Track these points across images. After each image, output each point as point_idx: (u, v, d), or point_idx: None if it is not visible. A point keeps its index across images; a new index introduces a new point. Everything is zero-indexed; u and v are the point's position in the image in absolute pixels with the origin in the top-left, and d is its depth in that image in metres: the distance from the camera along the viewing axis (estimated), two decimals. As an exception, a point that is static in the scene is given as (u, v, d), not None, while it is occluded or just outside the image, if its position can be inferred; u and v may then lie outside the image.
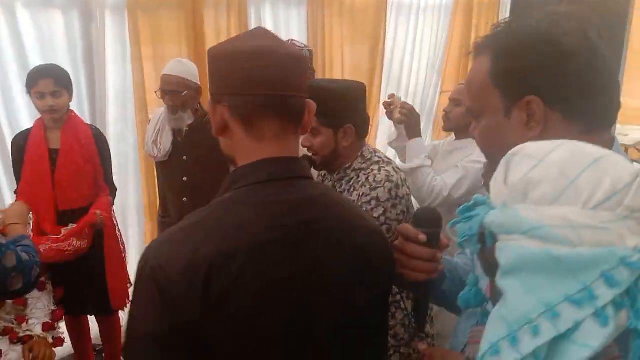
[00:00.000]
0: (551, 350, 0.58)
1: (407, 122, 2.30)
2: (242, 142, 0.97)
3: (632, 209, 0.59)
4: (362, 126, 1.83)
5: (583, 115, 0.89)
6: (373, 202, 1.72)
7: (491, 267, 0.69)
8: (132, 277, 2.88)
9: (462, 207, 0.76)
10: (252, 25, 3.65)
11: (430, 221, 1.06)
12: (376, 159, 1.84)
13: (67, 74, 2.44)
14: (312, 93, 1.70)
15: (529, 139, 0.86)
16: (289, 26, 3.92)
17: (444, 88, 5.38)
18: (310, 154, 1.85)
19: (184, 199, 2.68)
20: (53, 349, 2.28)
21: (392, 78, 4.73)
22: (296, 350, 0.92)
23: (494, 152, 0.95)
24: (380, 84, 4.55)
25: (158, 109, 2.79)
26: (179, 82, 2.57)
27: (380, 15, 4.41)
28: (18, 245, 1.58)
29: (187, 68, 2.65)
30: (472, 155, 2.26)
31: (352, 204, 1.20)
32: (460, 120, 2.37)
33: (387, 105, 2.36)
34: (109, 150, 2.62)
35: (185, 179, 2.67)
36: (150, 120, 2.81)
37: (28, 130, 2.48)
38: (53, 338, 2.33)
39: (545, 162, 0.64)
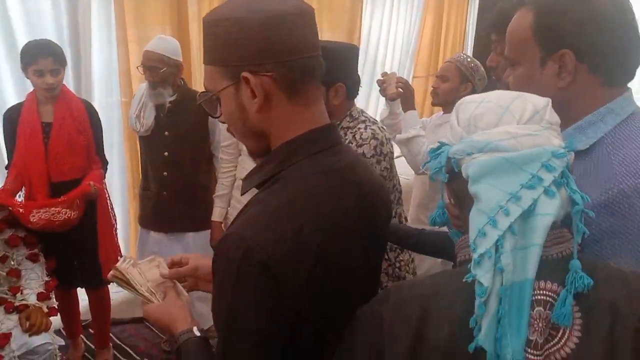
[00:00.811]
0: (522, 224, 0.77)
1: (403, 95, 2.43)
2: (285, 113, 0.93)
3: (550, 122, 0.82)
4: (353, 86, 1.92)
5: (606, 70, 1.05)
6: None
7: (457, 193, 0.89)
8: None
9: (430, 149, 0.91)
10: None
11: None
12: (363, 118, 1.95)
13: (62, 50, 2.49)
14: None
15: (558, 88, 1.07)
16: None
17: (416, 73, 5.59)
18: None
19: (164, 173, 2.75)
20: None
21: (367, 65, 4.88)
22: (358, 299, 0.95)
23: None
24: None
25: (142, 84, 2.84)
26: (158, 58, 2.63)
27: (357, 6, 4.55)
28: None
29: (168, 45, 2.70)
30: None
31: (366, 163, 1.21)
32: (447, 95, 2.56)
33: (380, 83, 2.46)
34: (101, 124, 2.68)
35: (166, 154, 2.74)
36: (134, 95, 2.87)
37: (20, 104, 2.51)
38: (48, 307, 2.40)
39: (484, 101, 0.85)
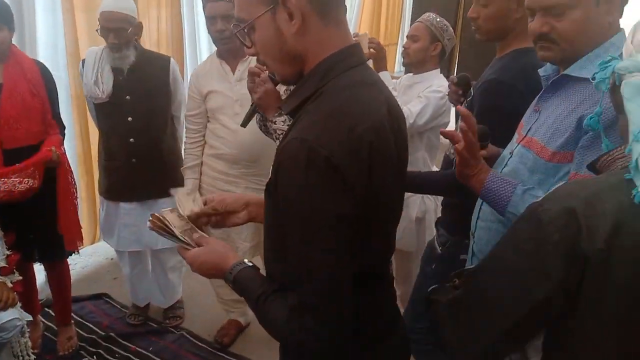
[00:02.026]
0: None
1: (376, 55, 2.42)
2: (319, 34, 0.99)
3: None
4: None
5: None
6: None
7: (617, 101, 0.93)
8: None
9: (601, 61, 0.96)
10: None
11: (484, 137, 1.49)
12: None
13: (8, 8, 2.27)
14: None
15: (611, 21, 1.24)
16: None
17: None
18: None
19: (131, 139, 2.61)
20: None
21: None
22: (397, 202, 1.13)
23: (582, 39, 1.28)
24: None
25: (92, 48, 2.66)
26: (124, 18, 2.47)
27: None
28: None
29: (128, 3, 2.55)
30: (431, 86, 2.48)
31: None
32: (418, 55, 2.57)
33: None
34: (56, 86, 2.49)
35: (130, 119, 2.60)
36: (83, 61, 2.65)
37: (-36, 65, 2.28)
38: (11, 282, 2.24)
39: None
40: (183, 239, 1.21)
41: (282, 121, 1.83)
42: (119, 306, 3.23)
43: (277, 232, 1.04)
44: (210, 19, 2.36)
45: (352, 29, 5.29)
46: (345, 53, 1.01)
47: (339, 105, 0.96)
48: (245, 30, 1.03)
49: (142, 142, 2.62)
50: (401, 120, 1.12)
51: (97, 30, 2.52)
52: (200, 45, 3.92)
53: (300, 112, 1.02)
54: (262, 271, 1.14)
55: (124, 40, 2.49)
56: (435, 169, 2.70)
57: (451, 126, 2.64)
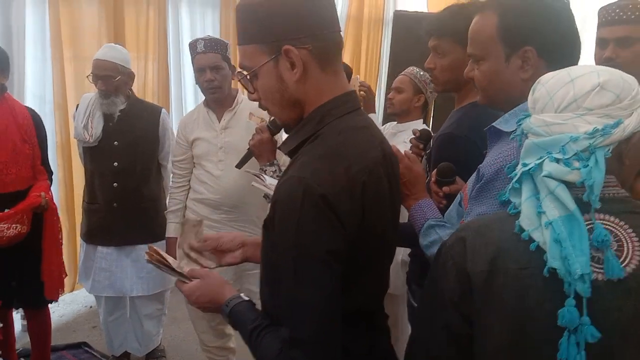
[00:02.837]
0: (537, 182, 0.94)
1: (366, 97, 2.53)
2: (318, 82, 1.06)
3: (589, 108, 0.92)
4: None
5: (560, 60, 1.21)
6: None
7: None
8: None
9: (519, 117, 1.04)
10: (170, 24, 3.73)
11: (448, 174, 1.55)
12: None
13: (4, 55, 2.35)
14: None
15: (522, 79, 1.25)
16: (204, 24, 4.05)
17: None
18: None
19: (114, 184, 2.67)
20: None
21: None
22: (391, 241, 1.17)
23: (491, 88, 1.33)
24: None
25: (86, 94, 2.76)
26: (112, 67, 2.58)
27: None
28: None
29: (120, 53, 2.67)
30: None
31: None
32: (402, 105, 2.70)
33: None
34: (46, 133, 2.54)
35: (115, 164, 2.66)
36: (77, 106, 2.75)
37: (-45, 111, 2.33)
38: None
39: (543, 85, 0.98)
40: (179, 272, 1.25)
41: (273, 171, 1.91)
42: (98, 355, 3.17)
43: (272, 267, 1.07)
44: (200, 70, 2.47)
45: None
46: (342, 99, 1.08)
47: (335, 147, 1.02)
48: (249, 77, 1.09)
49: (124, 187, 2.67)
50: (394, 162, 1.19)
51: (88, 77, 2.62)
52: (186, 95, 4.02)
53: (299, 152, 1.07)
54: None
55: (112, 88, 2.59)
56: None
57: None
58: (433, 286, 1.01)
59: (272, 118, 2.05)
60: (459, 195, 1.48)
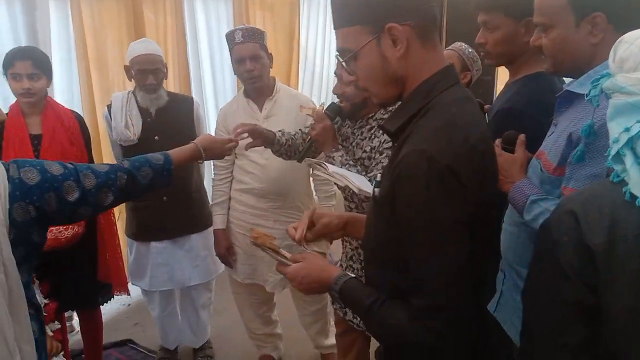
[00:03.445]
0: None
1: None
2: (419, 57, 1.08)
3: None
4: None
5: (628, 25, 1.22)
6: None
7: None
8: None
9: (593, 78, 1.07)
10: (187, 18, 3.72)
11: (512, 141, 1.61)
12: None
13: (47, 58, 2.34)
14: None
15: (591, 44, 1.30)
16: (218, 19, 4.05)
17: (349, 79, 5.79)
18: (337, 102, 2.03)
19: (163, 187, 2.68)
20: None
21: (308, 65, 5.03)
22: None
23: (561, 55, 1.37)
24: (298, 70, 4.86)
25: (117, 93, 2.75)
26: (159, 60, 2.59)
27: (295, 9, 4.68)
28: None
29: (157, 47, 2.68)
30: None
31: None
32: None
33: None
34: (89, 134, 2.55)
35: None
36: (108, 107, 2.72)
37: (1, 117, 2.33)
38: (52, 331, 2.24)
39: (632, 44, 0.98)
40: (283, 255, 1.28)
41: (340, 156, 1.94)
42: (145, 351, 3.21)
43: (392, 243, 1.09)
44: (239, 61, 2.48)
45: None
46: (444, 73, 1.10)
47: (450, 118, 1.04)
48: (353, 57, 1.10)
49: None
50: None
51: (130, 75, 2.61)
52: (205, 90, 4.03)
53: (408, 129, 1.09)
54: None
55: (160, 81, 2.60)
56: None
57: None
58: (546, 265, 1.01)
59: (330, 104, 2.08)
60: (533, 164, 1.52)
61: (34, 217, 1.34)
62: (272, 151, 2.22)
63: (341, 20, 1.11)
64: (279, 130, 2.21)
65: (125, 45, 3.33)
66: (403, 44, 1.05)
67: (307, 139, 2.04)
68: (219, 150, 1.90)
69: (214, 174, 2.76)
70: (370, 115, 2.04)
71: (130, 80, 2.67)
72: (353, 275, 1.21)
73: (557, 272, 0.96)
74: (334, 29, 1.14)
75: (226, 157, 2.67)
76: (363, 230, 1.39)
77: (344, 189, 2.02)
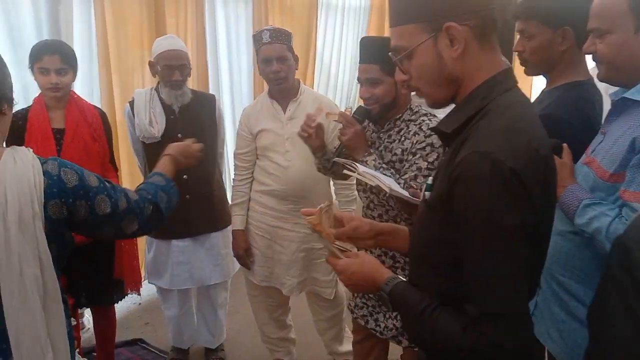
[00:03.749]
0: None
1: None
2: (477, 58, 1.06)
3: None
4: None
5: None
6: (428, 148, 1.91)
7: None
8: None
9: None
10: (207, 19, 3.72)
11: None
12: (424, 111, 2.03)
13: (74, 53, 2.33)
14: (378, 45, 1.89)
15: None
16: (237, 20, 4.04)
17: (363, 85, 5.79)
18: (364, 106, 2.01)
19: (184, 176, 2.63)
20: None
21: (324, 68, 5.03)
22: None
23: (618, 60, 1.37)
24: (314, 72, 4.86)
25: (139, 90, 2.74)
26: (186, 56, 2.59)
27: (313, 13, 4.68)
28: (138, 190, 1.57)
29: (183, 43, 2.67)
30: None
31: None
32: None
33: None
34: (111, 130, 2.53)
35: None
36: (130, 104, 2.69)
37: (25, 109, 2.31)
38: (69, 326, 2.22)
39: None
40: (338, 247, 1.25)
41: (373, 159, 1.91)
42: (156, 351, 3.18)
43: (444, 246, 1.07)
44: (266, 61, 2.46)
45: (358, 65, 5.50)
46: (503, 75, 1.08)
47: (512, 121, 1.01)
48: (407, 55, 1.09)
49: (195, 178, 2.64)
50: None
51: (155, 70, 2.59)
52: (222, 92, 4.02)
53: (465, 131, 1.06)
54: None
55: (185, 78, 2.59)
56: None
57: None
58: (622, 285, 0.92)
59: (357, 107, 2.05)
60: (583, 171, 1.51)
61: (66, 217, 1.34)
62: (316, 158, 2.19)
63: (398, 18, 1.09)
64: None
65: (145, 43, 3.34)
66: (461, 44, 1.03)
67: (338, 146, 2.01)
68: (190, 154, 1.94)
69: (235, 174, 2.74)
70: (398, 117, 2.02)
71: (155, 77, 2.66)
72: (404, 279, 1.18)
73: (636, 294, 0.89)
74: (390, 26, 1.13)
75: (247, 158, 2.66)
76: (399, 241, 1.38)
77: (375, 193, 1.99)
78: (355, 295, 2.21)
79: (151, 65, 2.62)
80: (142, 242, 3.30)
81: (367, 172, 1.74)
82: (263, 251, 2.68)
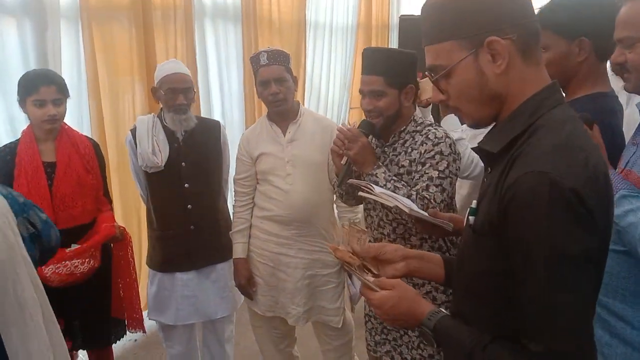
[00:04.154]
0: None
1: None
2: (521, 73, 0.99)
3: None
4: (416, 89, 1.97)
5: None
6: (437, 157, 1.85)
7: None
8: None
9: None
10: (197, 43, 3.64)
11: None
12: (428, 122, 1.99)
13: (64, 80, 2.23)
14: (382, 56, 1.84)
15: None
16: (227, 43, 3.98)
17: (352, 105, 5.76)
18: (368, 119, 1.94)
19: (189, 206, 2.53)
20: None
21: (314, 89, 4.98)
22: None
23: None
24: (304, 93, 4.81)
25: (141, 117, 2.63)
26: (190, 79, 2.50)
27: (302, 35, 4.65)
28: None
29: (186, 67, 2.59)
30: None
31: None
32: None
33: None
34: (105, 161, 2.42)
35: (187, 185, 2.52)
36: (132, 132, 2.57)
37: (13, 143, 2.19)
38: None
39: None
40: (370, 279, 1.16)
41: (383, 172, 1.84)
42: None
43: (497, 277, 0.98)
44: (264, 84, 2.38)
45: (346, 89, 5.45)
46: (551, 90, 1.02)
47: (567, 138, 0.94)
48: (445, 74, 1.03)
49: (199, 208, 2.54)
50: None
51: (158, 95, 2.49)
52: (213, 113, 3.93)
53: (513, 150, 0.98)
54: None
55: (190, 102, 2.49)
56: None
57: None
58: None
59: (362, 121, 1.97)
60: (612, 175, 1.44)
61: (32, 233, 1.32)
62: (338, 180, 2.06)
63: (434, 35, 1.03)
64: None
65: (135, 69, 3.25)
66: (505, 59, 0.98)
67: (345, 161, 1.93)
68: None
69: (235, 200, 2.63)
70: (402, 129, 1.97)
71: (158, 103, 2.57)
72: (447, 312, 1.09)
73: None
74: (424, 45, 1.06)
75: (247, 183, 2.56)
76: (432, 265, 1.29)
77: (386, 210, 1.91)
78: (372, 330, 2.11)
79: (154, 91, 2.53)
80: (143, 277, 3.19)
81: (384, 192, 1.67)
82: (266, 279, 2.56)
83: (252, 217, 2.60)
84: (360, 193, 1.71)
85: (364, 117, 1.98)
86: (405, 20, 5.71)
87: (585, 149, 0.93)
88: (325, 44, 5.05)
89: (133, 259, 2.42)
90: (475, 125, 1.10)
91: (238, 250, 2.58)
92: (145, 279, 2.78)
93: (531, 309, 0.91)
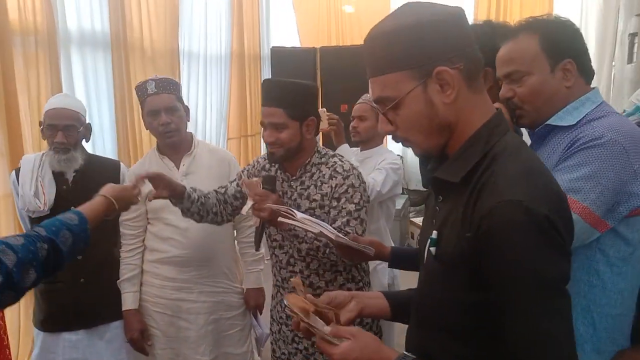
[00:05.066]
0: None
1: (336, 129, 2.47)
2: (468, 102, 0.99)
3: None
4: (317, 121, 1.92)
5: (586, 72, 1.41)
6: (350, 190, 1.82)
7: None
8: None
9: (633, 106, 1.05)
10: (63, 68, 3.29)
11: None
12: (331, 153, 1.95)
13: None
14: (282, 88, 1.78)
15: (566, 87, 1.38)
16: (96, 69, 3.66)
17: (230, 135, 5.63)
18: (267, 173, 1.90)
19: (78, 256, 2.19)
20: None
21: (191, 120, 4.74)
22: None
23: (539, 100, 1.40)
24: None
25: (27, 156, 2.31)
26: (75, 116, 2.20)
27: (175, 63, 4.45)
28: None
29: (77, 102, 2.32)
30: (385, 159, 2.64)
31: None
32: (368, 133, 2.76)
33: None
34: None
35: None
36: (16, 171, 2.25)
37: None
38: None
39: None
40: (326, 333, 1.05)
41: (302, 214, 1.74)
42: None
43: (469, 309, 0.95)
44: (153, 114, 2.19)
45: (223, 119, 5.31)
46: (498, 118, 1.02)
47: (527, 164, 0.94)
48: (394, 105, 1.00)
49: (91, 258, 2.16)
50: None
51: (41, 131, 2.22)
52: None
53: (475, 177, 0.96)
54: None
55: (73, 141, 2.20)
56: (389, 237, 2.76)
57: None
58: None
59: (263, 176, 1.84)
60: None
61: None
62: (181, 210, 1.94)
63: (381, 67, 0.99)
64: (190, 187, 1.95)
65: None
66: (454, 88, 0.97)
67: (259, 224, 1.79)
68: (128, 199, 1.72)
69: (121, 244, 2.35)
70: (307, 162, 1.90)
71: (44, 140, 2.26)
72: (414, 356, 1.03)
73: None
74: (370, 77, 1.02)
75: (137, 224, 2.31)
76: (377, 301, 1.26)
77: (296, 247, 1.82)
78: None
79: (40, 125, 2.23)
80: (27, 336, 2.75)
81: (307, 218, 1.58)
82: (164, 330, 2.32)
83: (142, 262, 2.35)
84: (280, 219, 1.59)
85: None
86: (276, 52, 5.74)
87: (544, 173, 0.96)
88: (200, 73, 4.88)
89: (3, 321, 2.03)
90: (425, 155, 1.07)
91: (128, 301, 2.30)
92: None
93: (517, 337, 0.89)
